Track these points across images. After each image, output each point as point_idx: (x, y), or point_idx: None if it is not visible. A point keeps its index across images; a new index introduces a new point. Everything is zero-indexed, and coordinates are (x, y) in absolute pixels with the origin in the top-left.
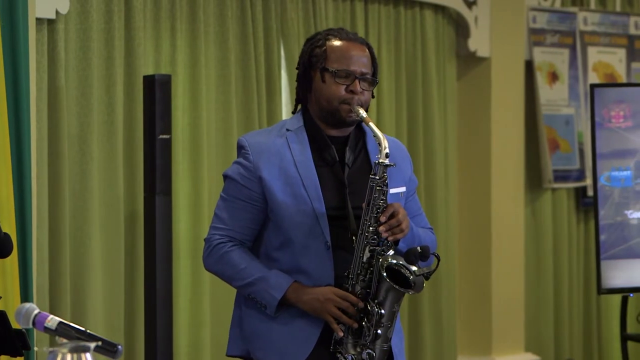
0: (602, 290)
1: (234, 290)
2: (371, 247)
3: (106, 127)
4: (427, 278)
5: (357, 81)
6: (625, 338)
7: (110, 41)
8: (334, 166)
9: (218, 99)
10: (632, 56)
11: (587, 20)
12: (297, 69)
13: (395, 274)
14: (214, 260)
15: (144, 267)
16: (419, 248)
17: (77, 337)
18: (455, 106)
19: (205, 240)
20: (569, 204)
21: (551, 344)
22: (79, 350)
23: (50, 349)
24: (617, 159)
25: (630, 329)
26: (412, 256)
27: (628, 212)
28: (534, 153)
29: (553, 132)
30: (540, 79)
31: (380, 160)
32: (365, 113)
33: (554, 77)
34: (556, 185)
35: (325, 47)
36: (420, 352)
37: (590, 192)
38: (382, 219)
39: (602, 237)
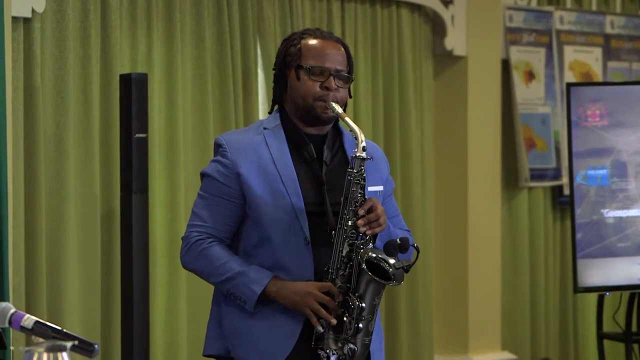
0: (578, 289)
1: (211, 289)
2: (350, 241)
3: (82, 126)
4: (406, 270)
5: (331, 78)
6: (601, 337)
7: (86, 40)
8: (311, 163)
9: (194, 98)
10: (608, 55)
11: (563, 19)
12: (273, 69)
13: (375, 267)
14: (192, 257)
15: (121, 266)
16: (398, 240)
17: (54, 337)
18: (431, 105)
19: (182, 238)
20: (545, 202)
21: (527, 342)
22: (55, 350)
23: (27, 348)
24: (593, 158)
25: (607, 327)
26: (391, 248)
27: (604, 211)
28: (511, 152)
29: (529, 131)
30: (517, 78)
31: (358, 154)
32: (340, 109)
33: (530, 75)
34: (532, 184)
35: (300, 46)
36: (397, 351)
37: (566, 191)
38: (361, 211)
39: (579, 236)
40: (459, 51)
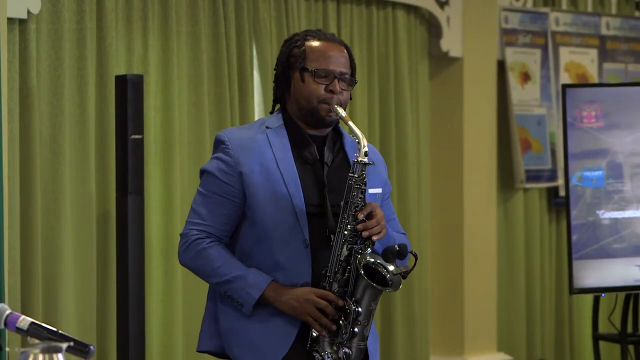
0: (574, 290)
1: (207, 289)
2: (349, 245)
3: (78, 128)
4: (404, 277)
5: (336, 81)
6: (597, 338)
7: (82, 41)
8: (313, 164)
9: (190, 99)
10: (603, 56)
11: (559, 20)
12: (275, 69)
13: (373, 272)
14: (190, 256)
15: (116, 267)
16: (396, 246)
17: (49, 338)
18: (427, 106)
19: (181, 235)
20: (541, 204)
21: (523, 343)
22: (50, 351)
23: (22, 349)
24: (589, 159)
25: (602, 328)
26: (389, 254)
27: (600, 212)
28: (506, 153)
29: (525, 132)
30: (512, 79)
31: (360, 159)
32: (344, 113)
33: (526, 77)
34: (528, 186)
35: (304, 48)
36: (392, 352)
37: (562, 192)
38: (360, 216)
39: (574, 237)
40: (454, 52)
